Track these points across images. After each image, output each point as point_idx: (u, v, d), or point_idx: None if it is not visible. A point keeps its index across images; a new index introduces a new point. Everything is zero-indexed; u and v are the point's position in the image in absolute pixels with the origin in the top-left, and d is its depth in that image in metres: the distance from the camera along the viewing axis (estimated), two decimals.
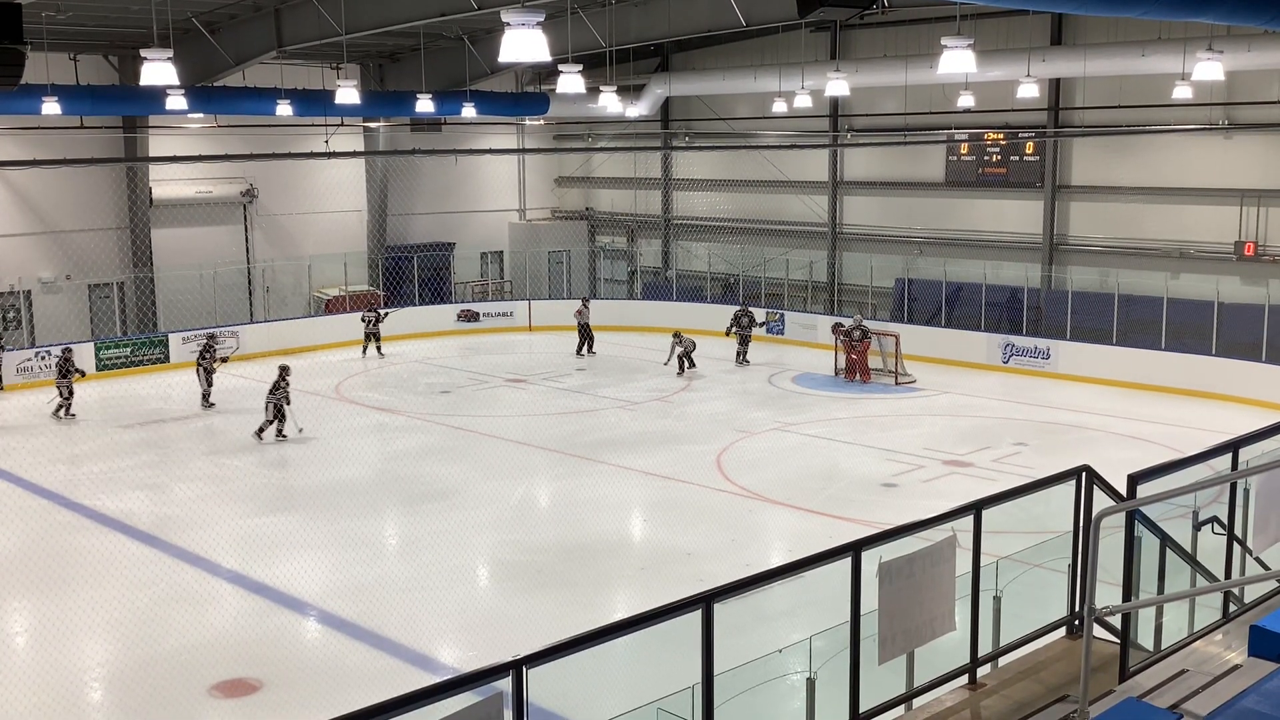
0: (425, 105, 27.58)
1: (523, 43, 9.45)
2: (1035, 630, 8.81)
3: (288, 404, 21.98)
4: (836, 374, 27.48)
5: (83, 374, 24.45)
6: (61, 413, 23.86)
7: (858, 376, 26.86)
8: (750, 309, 29.92)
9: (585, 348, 30.59)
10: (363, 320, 30.97)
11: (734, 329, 29.15)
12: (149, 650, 12.86)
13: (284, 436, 21.95)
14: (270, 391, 21.97)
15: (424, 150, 31.09)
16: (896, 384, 26.51)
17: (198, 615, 13.78)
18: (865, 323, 27.58)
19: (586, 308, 30.98)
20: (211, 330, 25.95)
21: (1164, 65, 23.89)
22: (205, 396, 24.64)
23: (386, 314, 31.19)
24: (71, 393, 23.95)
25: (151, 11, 20.01)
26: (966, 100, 25.04)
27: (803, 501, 17.94)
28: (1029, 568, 9.87)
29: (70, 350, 24.52)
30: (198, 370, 24.72)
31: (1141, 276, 27.48)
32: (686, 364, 27.44)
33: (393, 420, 23.95)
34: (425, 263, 35.39)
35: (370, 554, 16.13)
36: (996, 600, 8.69)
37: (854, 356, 26.94)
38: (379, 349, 30.66)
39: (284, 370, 22.25)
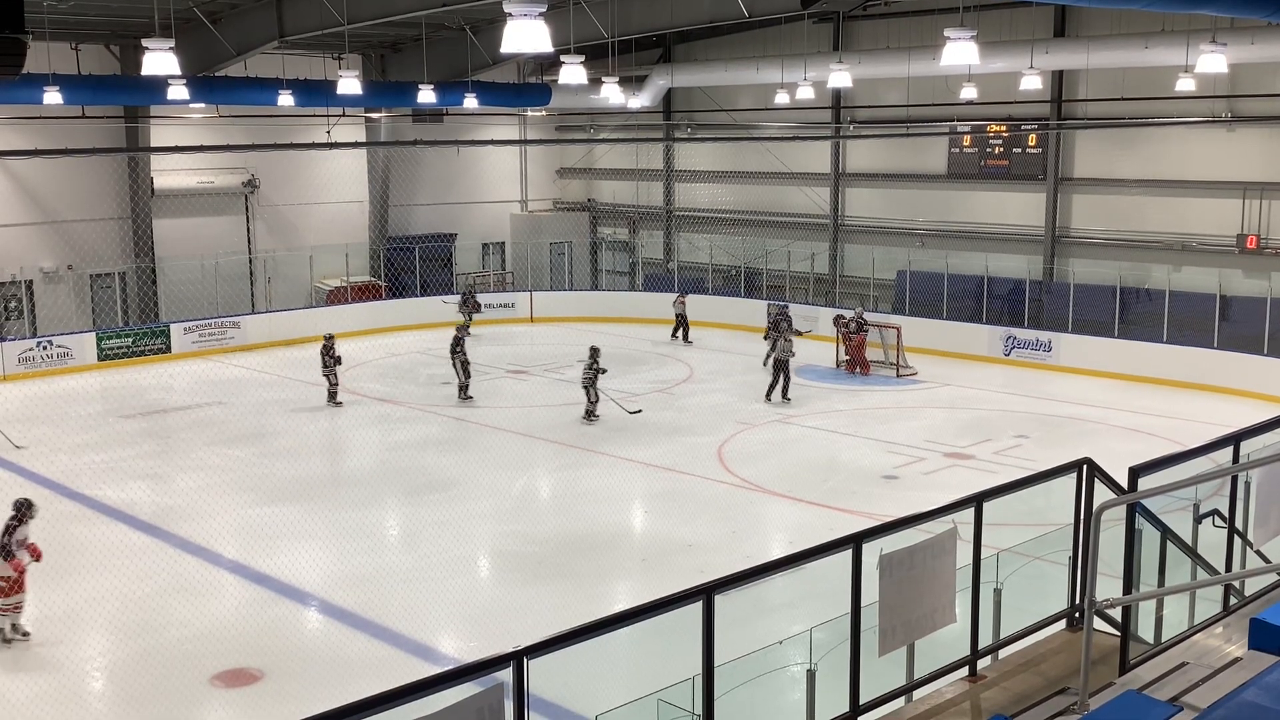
0: (427, 96, 27.55)
1: (525, 33, 9.41)
2: (1036, 623, 8.80)
3: (594, 386, 22.64)
4: (838, 366, 27.48)
5: (339, 360, 24.21)
6: (333, 399, 23.93)
7: (858, 369, 26.87)
8: (787, 310, 28.32)
9: (682, 335, 31.20)
10: (462, 302, 32.52)
11: (771, 332, 27.08)
12: (150, 640, 12.90)
13: (594, 417, 22.55)
14: (585, 370, 22.73)
15: (426, 141, 31.06)
16: (898, 376, 26.51)
17: (199, 605, 13.80)
18: (865, 315, 27.59)
19: (684, 300, 31.51)
20: (464, 323, 25.77)
21: (1167, 57, 23.87)
22: (463, 389, 24.43)
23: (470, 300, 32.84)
24: (337, 379, 24.02)
25: (153, 1, 19.98)
26: (969, 92, 24.99)
27: (803, 493, 17.95)
28: (1030, 560, 9.88)
29: (332, 338, 24.42)
30: (454, 363, 24.44)
31: (1143, 269, 27.47)
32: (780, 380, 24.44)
33: (394, 411, 23.95)
34: (426, 253, 35.42)
35: (371, 544, 16.15)
36: (997, 593, 8.69)
37: (848, 350, 26.95)
38: (467, 331, 31.87)
39: (594, 352, 22.82)
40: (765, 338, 27.88)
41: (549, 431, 21.93)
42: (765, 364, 26.85)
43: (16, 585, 12.83)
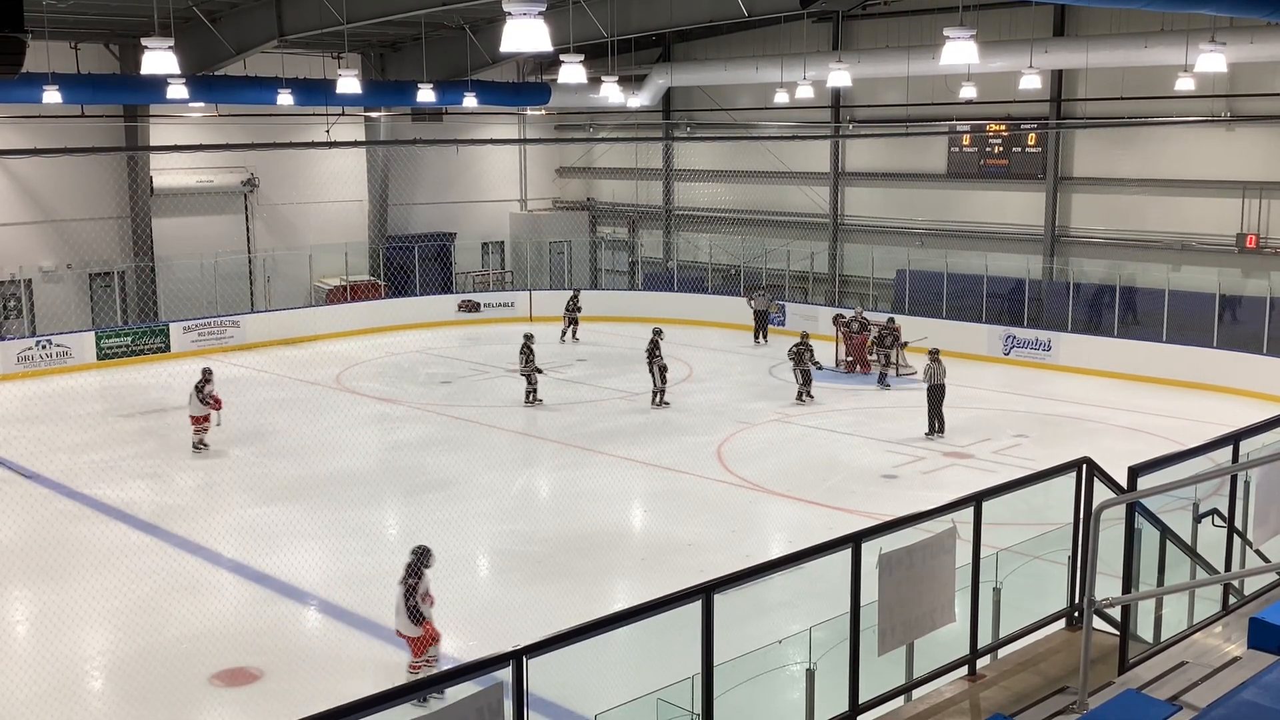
0: (426, 95, 27.55)
1: (524, 32, 9.41)
2: (1035, 622, 8.81)
3: (800, 368, 23.68)
4: (837, 365, 27.44)
5: (540, 371, 24.16)
6: (531, 397, 23.94)
7: (857, 367, 26.85)
8: (895, 322, 26.26)
9: (762, 335, 30.80)
10: (568, 306, 31.57)
11: (877, 348, 26.01)
12: (150, 639, 12.89)
13: (810, 398, 23.73)
14: (793, 353, 23.80)
15: (425, 140, 31.05)
16: (897, 375, 26.49)
17: (198, 604, 13.79)
18: (865, 314, 27.57)
19: (759, 296, 31.13)
20: (659, 326, 25.32)
21: (1166, 57, 23.87)
22: (660, 394, 23.67)
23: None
24: (536, 379, 24.02)
25: (153, 0, 19.96)
26: (968, 91, 25.00)
27: (803, 493, 17.95)
28: (1029, 559, 9.88)
29: (531, 337, 24.43)
30: (651, 368, 23.70)
31: (1143, 268, 27.48)
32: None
33: (393, 410, 23.95)
34: (426, 252, 35.40)
35: (371, 544, 16.13)
36: (996, 592, 8.69)
37: (849, 350, 26.93)
38: (574, 334, 31.23)
39: (805, 336, 23.72)
40: (872, 354, 26.30)
41: (548, 431, 21.92)
42: (881, 384, 25.54)
43: (429, 641, 11.62)
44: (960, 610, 8.08)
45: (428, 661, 11.53)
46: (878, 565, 7.37)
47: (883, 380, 25.81)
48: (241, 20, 27.02)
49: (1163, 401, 23.51)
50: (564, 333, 31.37)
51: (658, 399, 23.75)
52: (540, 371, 24.11)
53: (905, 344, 26.04)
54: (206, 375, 20.84)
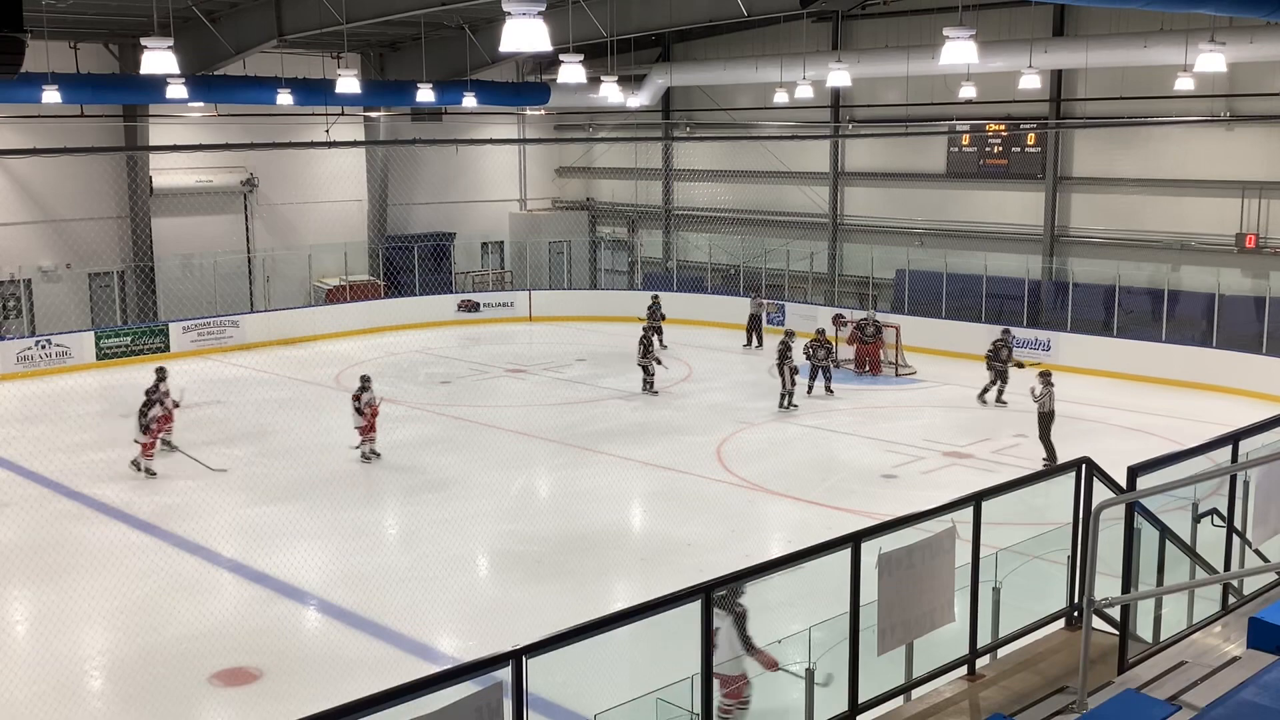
0: (426, 95, 27.56)
1: (524, 32, 9.41)
2: (1034, 622, 8.81)
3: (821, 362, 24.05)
4: (837, 365, 27.42)
5: (659, 362, 24.59)
6: (648, 386, 24.29)
7: (865, 368, 26.77)
8: (1010, 335, 23.93)
9: (756, 339, 30.15)
10: (649, 313, 29.89)
11: (994, 363, 23.29)
12: (149, 639, 12.89)
13: (829, 393, 24.10)
14: (806, 349, 24.16)
15: (424, 140, 31.05)
16: (897, 375, 26.51)
17: (198, 604, 13.79)
18: (877, 317, 27.46)
19: (759, 298, 30.77)
20: (790, 329, 24.90)
21: (1166, 57, 23.88)
22: (788, 397, 23.03)
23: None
24: (654, 372, 24.31)
25: (152, 0, 19.97)
26: (968, 91, 25.00)
27: (802, 492, 17.95)
28: (1028, 559, 9.87)
29: (652, 329, 24.51)
30: (781, 370, 23.05)
31: (1142, 268, 27.48)
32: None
33: (393, 410, 23.83)
34: (425, 252, 35.41)
35: (370, 544, 16.15)
36: (996, 592, 8.69)
37: (865, 352, 26.89)
38: (661, 342, 28.91)
39: (821, 333, 24.30)
40: (989, 368, 23.51)
41: (548, 430, 21.91)
42: (981, 398, 23.57)
43: (745, 680, 8.93)
44: (960, 610, 8.08)
45: (741, 704, 8.98)
46: (877, 565, 7.37)
47: (998, 397, 23.32)
48: (241, 20, 27.02)
49: (1163, 401, 23.50)
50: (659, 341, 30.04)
51: (785, 401, 23.23)
52: (659, 362, 24.56)
53: (1019, 364, 23.20)
54: (364, 383, 20.07)
